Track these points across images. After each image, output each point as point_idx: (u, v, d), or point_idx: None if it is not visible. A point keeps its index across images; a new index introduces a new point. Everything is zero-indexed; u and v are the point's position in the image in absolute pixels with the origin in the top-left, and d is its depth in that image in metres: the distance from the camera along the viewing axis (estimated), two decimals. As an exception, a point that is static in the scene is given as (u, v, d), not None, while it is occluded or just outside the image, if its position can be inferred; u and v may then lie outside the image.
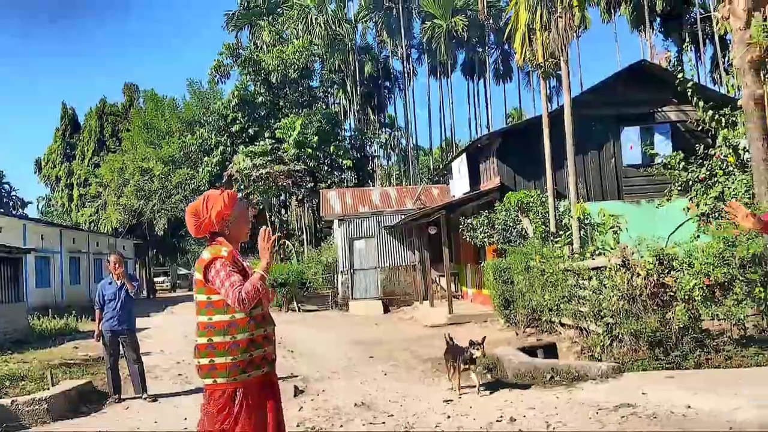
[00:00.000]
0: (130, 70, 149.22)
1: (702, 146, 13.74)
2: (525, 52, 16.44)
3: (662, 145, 20.23)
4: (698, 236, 12.14)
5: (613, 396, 7.17)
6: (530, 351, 10.28)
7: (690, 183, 12.43)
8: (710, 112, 13.18)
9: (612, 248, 11.46)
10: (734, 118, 13.19)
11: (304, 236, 44.23)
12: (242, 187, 38.40)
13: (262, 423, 3.79)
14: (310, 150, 41.47)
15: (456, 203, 20.96)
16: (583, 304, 11.56)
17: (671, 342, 9.67)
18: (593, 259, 11.76)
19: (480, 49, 59.65)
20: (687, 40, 53.67)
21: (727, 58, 48.72)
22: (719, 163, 12.07)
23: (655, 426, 5.93)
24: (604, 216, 13.41)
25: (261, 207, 43.02)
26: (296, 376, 10.88)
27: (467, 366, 8.40)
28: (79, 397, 9.14)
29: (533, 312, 14.28)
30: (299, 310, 27.33)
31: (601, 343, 10.69)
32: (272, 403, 3.90)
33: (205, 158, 44.30)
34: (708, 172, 12.21)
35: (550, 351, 10.63)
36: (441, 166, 43.39)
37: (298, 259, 36.51)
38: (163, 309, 29.72)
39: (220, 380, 3.75)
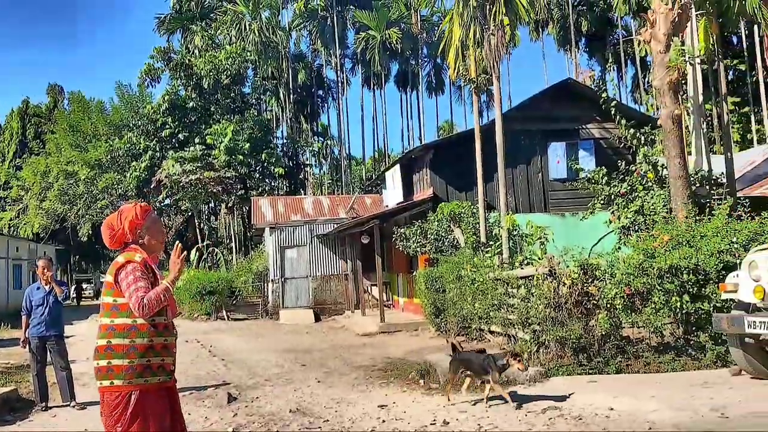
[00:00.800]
0: (52, 71, 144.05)
1: (623, 162, 14.44)
2: (458, 67, 16.89)
3: (586, 161, 21.08)
4: (619, 248, 12.74)
5: (540, 399, 7.48)
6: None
7: (612, 197, 13.04)
8: (632, 130, 13.87)
9: (540, 258, 11.89)
10: (653, 137, 13.93)
11: (233, 244, 43.72)
12: (171, 192, 37.69)
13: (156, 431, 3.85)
14: (241, 157, 41.10)
15: (390, 213, 21.21)
16: (512, 312, 11.94)
17: (594, 348, 10.12)
18: (522, 268, 12.17)
19: (413, 62, 60.46)
20: (610, 60, 56.01)
21: (647, 79, 51.05)
22: (639, 178, 12.71)
23: (580, 427, 6.24)
24: (532, 227, 13.90)
25: (189, 214, 42.32)
26: (228, 384, 10.82)
27: (499, 376, 7.67)
28: (3, 406, 8.86)
29: (464, 320, 14.61)
30: (228, 319, 27.01)
31: (528, 350, 11.09)
32: (170, 414, 3.97)
33: (133, 163, 43.26)
34: (629, 187, 12.84)
35: (481, 357, 10.92)
36: (373, 177, 43.71)
37: (227, 267, 36.05)
38: (87, 316, 28.82)
39: (117, 382, 3.82)
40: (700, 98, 13.12)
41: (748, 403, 6.45)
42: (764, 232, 10.09)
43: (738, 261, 9.34)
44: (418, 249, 18.52)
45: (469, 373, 8.02)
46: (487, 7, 14.43)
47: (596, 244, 13.90)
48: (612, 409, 6.72)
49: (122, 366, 3.81)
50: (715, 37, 13.74)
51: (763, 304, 6.98)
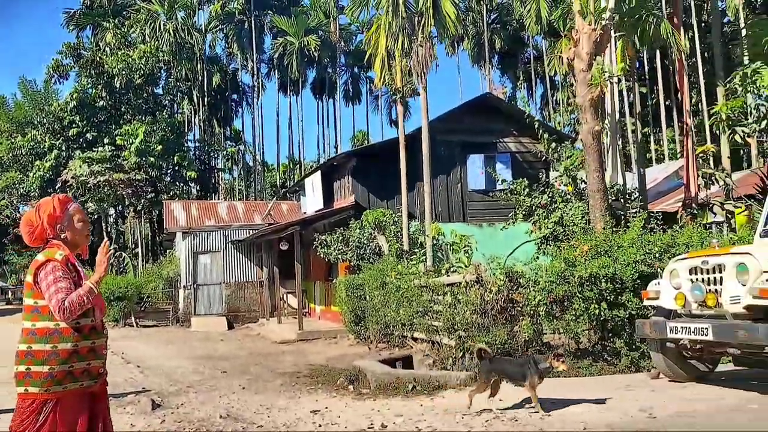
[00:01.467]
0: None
1: (543, 175, 15.00)
2: (384, 76, 17.07)
3: (503, 173, 21.68)
4: (538, 257, 13.19)
5: (473, 402, 7.61)
6: (390, 363, 10.62)
7: (533, 208, 13.48)
8: (554, 144, 14.39)
9: (466, 266, 12.14)
10: (570, 151, 14.51)
11: (140, 249, 42.24)
12: (77, 194, 36.07)
13: None
14: (152, 159, 39.85)
15: (311, 219, 21.11)
16: (437, 318, 12.12)
17: (518, 354, 10.41)
18: (448, 276, 12.38)
19: (331, 70, 60.45)
20: (521, 78, 57.97)
21: (554, 98, 53.11)
22: (559, 191, 13.21)
23: (517, 428, 6.40)
24: (456, 236, 14.18)
25: (96, 217, 40.62)
26: (149, 390, 10.46)
27: (541, 381, 7.10)
28: None
29: (386, 327, 14.70)
30: (137, 326, 26.10)
31: (453, 355, 11.29)
32: (92, 419, 3.78)
33: (37, 162, 41.13)
34: (549, 199, 13.31)
35: (407, 363, 11.05)
36: (287, 183, 43.25)
37: (134, 273, 34.79)
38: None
39: (32, 389, 3.63)
40: (617, 116, 13.78)
41: (672, 404, 6.80)
42: (675, 244, 10.71)
43: (653, 271, 9.93)
44: (340, 256, 18.51)
45: (498, 378, 7.29)
46: (416, 18, 14.66)
47: (512, 253, 14.31)
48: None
49: (41, 373, 3.60)
50: (629, 59, 14.48)
51: (683, 311, 7.37)
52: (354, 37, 60.39)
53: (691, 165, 13.61)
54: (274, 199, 38.44)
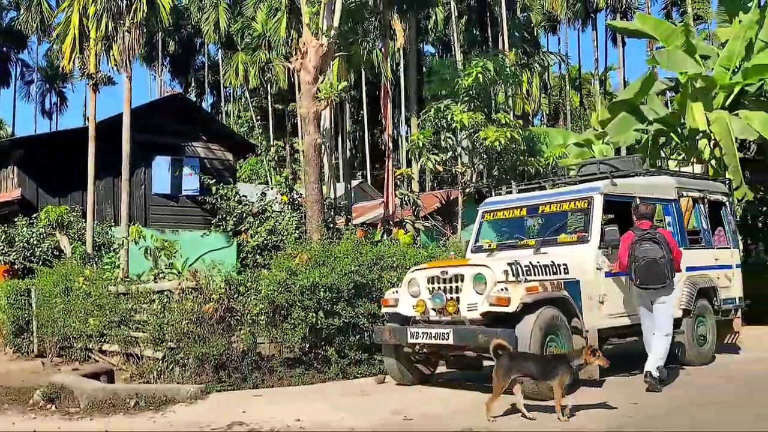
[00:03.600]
0: None
1: (232, 182, 14.84)
2: (74, 59, 15.28)
3: (191, 179, 21.03)
4: (241, 263, 12.96)
5: (215, 416, 7.12)
6: (92, 378, 9.40)
7: (244, 216, 13.22)
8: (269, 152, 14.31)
9: (180, 272, 11.36)
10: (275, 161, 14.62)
11: None
12: None
13: None
14: None
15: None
16: (141, 329, 11.12)
17: (235, 364, 10.04)
18: (156, 282, 11.45)
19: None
20: (192, 84, 56.93)
21: (225, 108, 53.11)
22: (273, 200, 13.19)
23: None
24: (158, 241, 13.19)
25: None
26: None
27: (571, 379, 6.62)
28: None
29: (65, 339, 13.04)
30: None
31: (158, 368, 10.44)
32: None
33: None
34: (261, 207, 13.20)
35: (110, 378, 9.90)
36: None
37: None
38: None
39: None
40: (331, 131, 14.31)
41: (418, 407, 7.17)
42: (384, 256, 11.44)
43: (365, 281, 10.47)
44: (1, 258, 15.89)
45: (521, 377, 6.58)
46: (125, 2, 13.44)
47: (196, 260, 13.79)
48: (299, 420, 6.76)
49: None
50: (344, 80, 15.18)
51: (421, 317, 7.87)
52: (5, 13, 53.09)
53: (390, 185, 14.75)
54: None
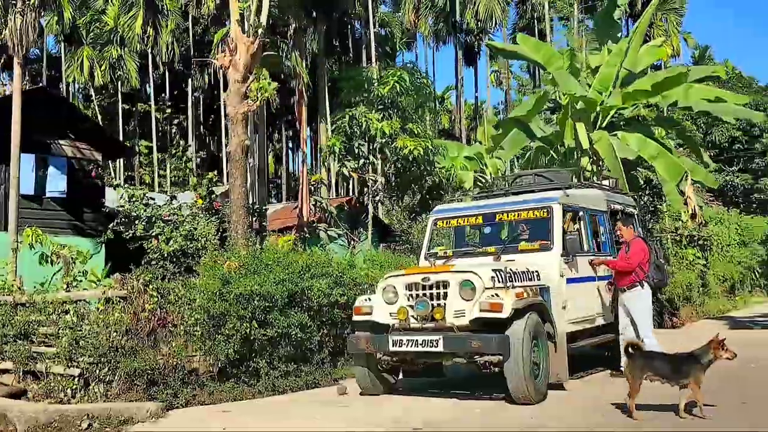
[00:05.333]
0: None
1: (101, 185, 13.66)
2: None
3: (57, 179, 19.33)
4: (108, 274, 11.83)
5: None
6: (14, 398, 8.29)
7: (153, 220, 12.29)
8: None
9: (99, 280, 10.29)
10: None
11: None
12: None
13: None
14: None
15: None
16: (49, 343, 9.93)
17: (168, 379, 9.30)
18: (68, 291, 10.30)
19: None
20: (26, 77, 52.07)
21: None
22: (193, 203, 12.39)
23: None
24: (54, 245, 11.85)
25: None
26: None
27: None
28: None
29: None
30: None
31: (73, 386, 9.41)
32: None
33: None
34: (174, 210, 12.35)
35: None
36: None
37: None
38: None
39: None
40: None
41: (412, 414, 7.04)
42: (313, 264, 11.16)
43: (297, 289, 10.19)
44: None
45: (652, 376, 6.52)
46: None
47: (58, 271, 12.54)
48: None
49: None
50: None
51: (401, 324, 7.71)
52: None
53: (305, 190, 14.37)
54: None
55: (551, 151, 18.62)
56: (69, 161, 19.81)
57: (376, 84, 15.72)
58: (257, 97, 10.94)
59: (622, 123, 18.08)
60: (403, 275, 8.06)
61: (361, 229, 15.56)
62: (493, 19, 32.49)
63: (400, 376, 8.58)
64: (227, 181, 15.92)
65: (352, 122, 13.72)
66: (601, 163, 17.29)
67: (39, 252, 11.63)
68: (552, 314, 7.93)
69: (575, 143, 17.34)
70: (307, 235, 14.01)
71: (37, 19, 12.24)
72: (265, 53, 11.58)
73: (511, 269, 7.77)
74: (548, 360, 7.67)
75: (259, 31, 11.33)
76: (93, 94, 43.07)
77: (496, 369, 7.34)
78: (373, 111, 14.84)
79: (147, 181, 31.23)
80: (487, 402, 7.53)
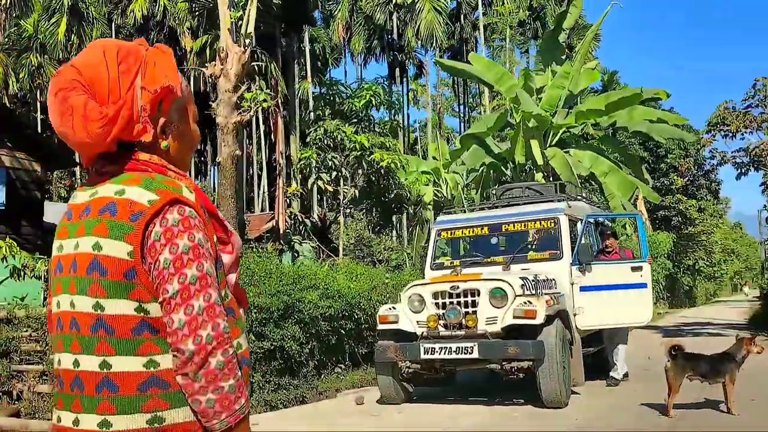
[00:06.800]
0: None
1: (40, 197, 13.05)
2: None
3: (-8, 192, 18.28)
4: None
5: None
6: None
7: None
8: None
9: None
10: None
11: None
12: None
13: None
14: None
15: None
16: (27, 361, 9.37)
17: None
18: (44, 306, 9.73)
19: None
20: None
21: None
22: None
23: None
24: (24, 258, 11.12)
25: None
26: None
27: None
28: None
29: None
30: None
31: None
32: None
33: None
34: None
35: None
36: None
37: None
38: None
39: None
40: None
41: (447, 421, 7.10)
42: (304, 277, 11.10)
43: (292, 301, 10.11)
44: None
45: (692, 376, 6.78)
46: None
47: None
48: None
49: None
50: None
51: (430, 332, 7.77)
52: None
53: (281, 203, 14.15)
54: None
55: (501, 167, 19.17)
56: (8, 172, 18.75)
57: (348, 99, 15.79)
58: (251, 107, 10.78)
59: (572, 142, 18.85)
60: (430, 284, 8.14)
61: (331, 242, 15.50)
62: (434, 37, 33.11)
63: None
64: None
65: (326, 135, 13.69)
66: (551, 178, 17.95)
67: (9, 266, 10.89)
68: (571, 321, 8.22)
69: (526, 159, 17.95)
70: (283, 246, 13.83)
71: (7, 19, 11.59)
72: (255, 63, 11.43)
73: (536, 277, 8.01)
74: (570, 365, 7.94)
75: (247, 41, 11.19)
76: (7, 102, 40.95)
77: (522, 375, 7.53)
78: (348, 124, 14.89)
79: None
80: (517, 407, 7.69)
